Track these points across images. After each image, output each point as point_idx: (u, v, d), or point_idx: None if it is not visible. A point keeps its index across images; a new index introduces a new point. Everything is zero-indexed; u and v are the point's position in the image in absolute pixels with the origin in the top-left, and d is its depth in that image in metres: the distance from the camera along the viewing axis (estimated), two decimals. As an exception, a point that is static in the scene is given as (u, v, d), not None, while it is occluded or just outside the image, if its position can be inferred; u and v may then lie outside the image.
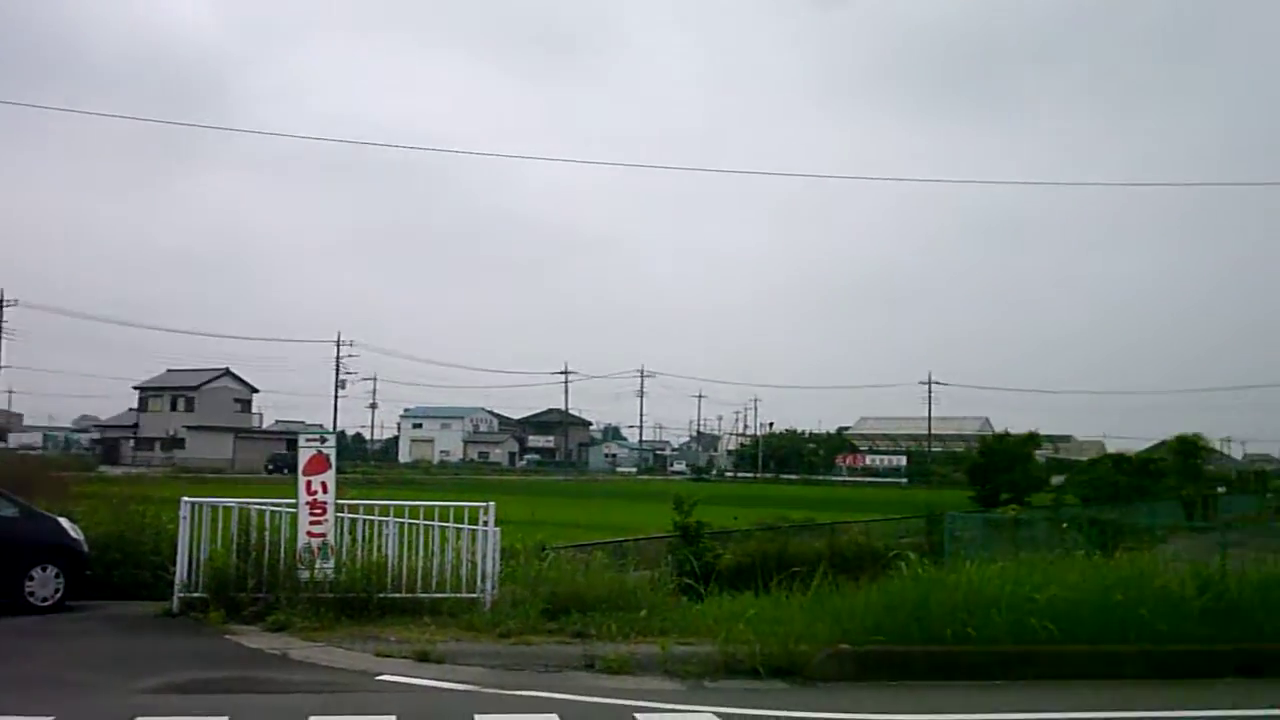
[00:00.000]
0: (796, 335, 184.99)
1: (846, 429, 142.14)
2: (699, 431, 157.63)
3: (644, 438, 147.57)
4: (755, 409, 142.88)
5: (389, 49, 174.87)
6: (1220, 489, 58.16)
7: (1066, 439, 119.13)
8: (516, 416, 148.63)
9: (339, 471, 12.42)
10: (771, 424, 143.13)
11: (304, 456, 12.23)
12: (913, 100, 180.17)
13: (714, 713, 7.71)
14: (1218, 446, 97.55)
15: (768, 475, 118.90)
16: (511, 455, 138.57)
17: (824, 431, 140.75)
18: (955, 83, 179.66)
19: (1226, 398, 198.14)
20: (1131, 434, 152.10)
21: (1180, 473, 49.51)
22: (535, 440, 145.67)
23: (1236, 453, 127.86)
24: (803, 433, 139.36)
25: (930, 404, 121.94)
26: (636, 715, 7.61)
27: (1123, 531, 18.60)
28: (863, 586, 11.00)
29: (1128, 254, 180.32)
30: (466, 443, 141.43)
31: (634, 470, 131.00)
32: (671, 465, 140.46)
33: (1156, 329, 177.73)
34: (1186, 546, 20.91)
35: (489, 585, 11.89)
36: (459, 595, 11.77)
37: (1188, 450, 52.82)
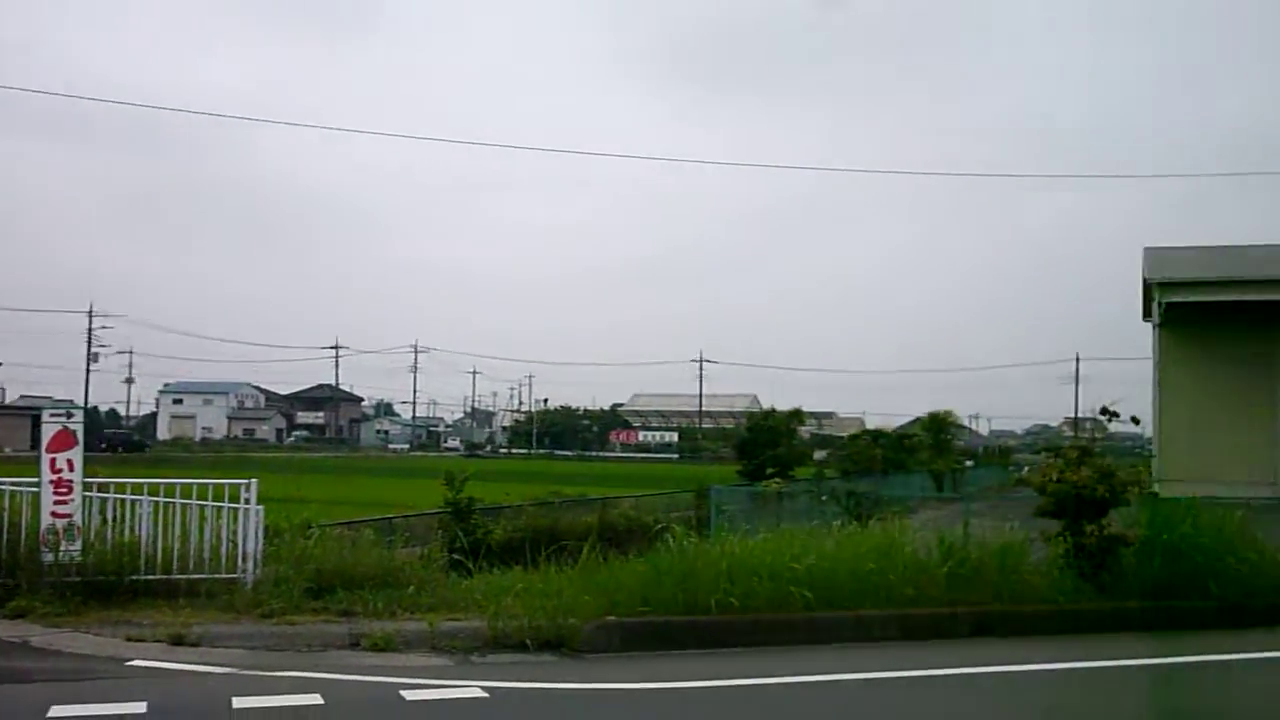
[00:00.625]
0: (573, 312, 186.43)
1: (620, 406, 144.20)
2: (474, 408, 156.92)
3: (417, 414, 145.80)
4: (530, 385, 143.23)
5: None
6: (968, 462, 61.82)
7: (830, 415, 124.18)
8: (285, 392, 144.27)
9: (91, 449, 11.76)
10: (546, 400, 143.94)
11: (48, 432, 11.50)
12: (690, 84, 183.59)
13: (481, 687, 7.70)
14: (966, 423, 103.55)
15: (542, 452, 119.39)
16: (279, 432, 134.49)
17: (598, 408, 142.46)
18: (730, 70, 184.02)
19: (975, 378, 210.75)
20: (890, 410, 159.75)
21: (932, 447, 52.23)
22: (304, 417, 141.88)
23: (983, 429, 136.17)
24: (577, 409, 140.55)
25: (701, 381, 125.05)
26: (402, 692, 7.53)
27: (878, 502, 19.53)
28: (631, 559, 11.20)
29: (889, 238, 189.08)
30: (231, 419, 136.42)
31: (406, 447, 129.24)
32: (445, 442, 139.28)
33: (914, 311, 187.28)
34: (935, 516, 22.12)
35: (250, 565, 11.49)
36: (218, 576, 11.32)
37: (939, 426, 55.80)
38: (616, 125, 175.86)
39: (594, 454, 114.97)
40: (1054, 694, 8.38)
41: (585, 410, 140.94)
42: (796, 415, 56.18)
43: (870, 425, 75.67)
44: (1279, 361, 31.91)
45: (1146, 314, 36.39)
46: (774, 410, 57.57)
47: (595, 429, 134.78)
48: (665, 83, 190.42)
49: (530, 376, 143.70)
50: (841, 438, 76.23)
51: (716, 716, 7.41)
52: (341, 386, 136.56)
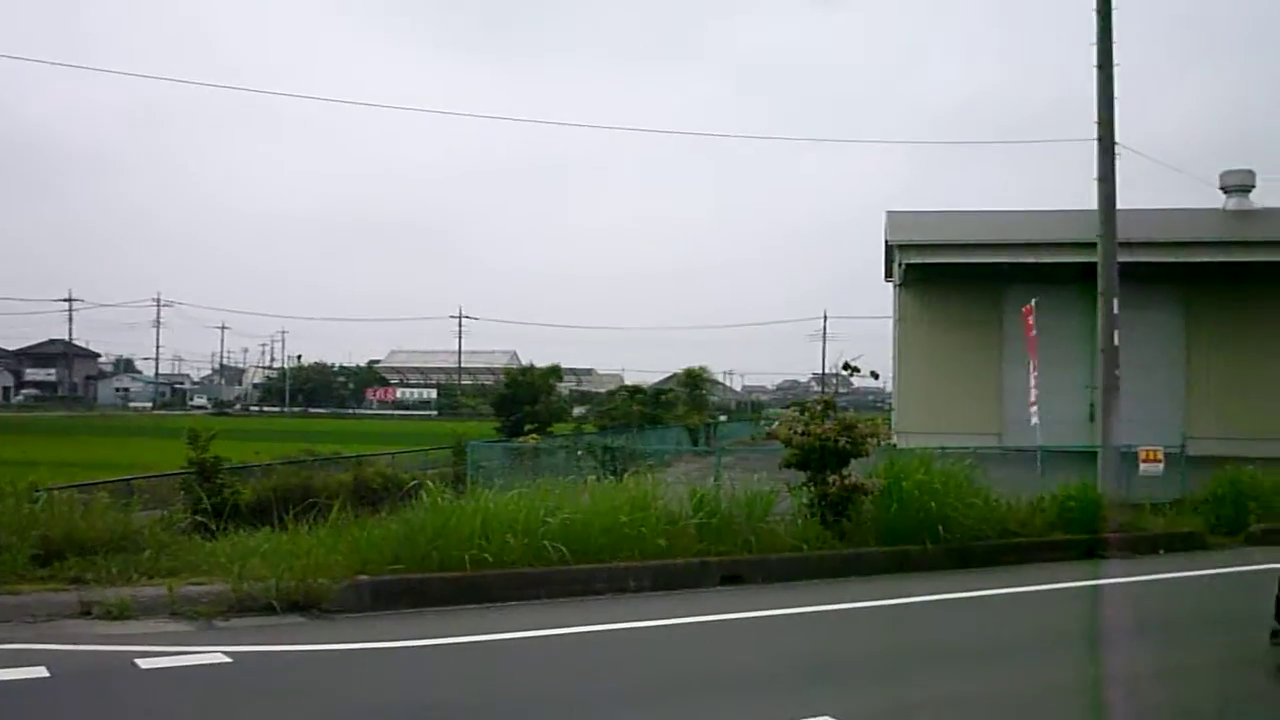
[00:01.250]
0: (328, 267, 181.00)
1: (378, 363, 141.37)
2: (222, 364, 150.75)
3: (161, 371, 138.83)
4: (284, 342, 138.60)
5: None
6: (722, 417, 63.71)
7: (589, 372, 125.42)
8: (12, 348, 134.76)
9: None
10: (300, 357, 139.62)
11: None
12: (464, 37, 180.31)
13: (223, 652, 7.39)
14: (721, 379, 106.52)
15: (296, 409, 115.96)
16: (5, 390, 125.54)
17: (354, 365, 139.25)
18: (505, 24, 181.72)
19: (730, 335, 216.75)
20: (648, 367, 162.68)
21: (688, 403, 53.54)
22: (34, 374, 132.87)
23: (737, 385, 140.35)
24: (333, 366, 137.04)
25: (460, 338, 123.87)
26: (137, 661, 7.13)
27: (634, 457, 19.86)
28: (385, 517, 11.00)
29: (651, 196, 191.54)
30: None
31: (149, 405, 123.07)
32: (192, 400, 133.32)
33: (673, 269, 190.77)
34: (690, 469, 22.66)
35: (-33, 533, 10.66)
36: (-70, 546, 10.46)
37: (695, 382, 57.23)
38: (368, 75, 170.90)
39: (350, 412, 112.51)
40: (798, 636, 8.72)
41: (341, 367, 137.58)
42: (555, 372, 56.51)
43: (629, 381, 76.87)
44: (1006, 320, 34.06)
45: (888, 275, 38.24)
46: (533, 367, 57.71)
47: (352, 386, 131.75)
48: (431, 32, 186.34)
49: (284, 332, 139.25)
50: (600, 394, 77.14)
51: (464, 672, 7.36)
52: (76, 341, 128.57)
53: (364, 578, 9.31)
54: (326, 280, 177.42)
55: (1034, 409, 19.46)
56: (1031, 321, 20.20)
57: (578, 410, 67.11)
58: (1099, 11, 17.11)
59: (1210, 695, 6.75)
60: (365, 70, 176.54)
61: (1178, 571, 12.21)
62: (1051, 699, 6.64)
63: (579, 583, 10.06)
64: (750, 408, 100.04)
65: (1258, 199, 41.18)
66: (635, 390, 54.63)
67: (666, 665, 7.45)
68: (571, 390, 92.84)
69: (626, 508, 10.86)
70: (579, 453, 19.52)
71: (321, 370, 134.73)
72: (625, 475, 12.81)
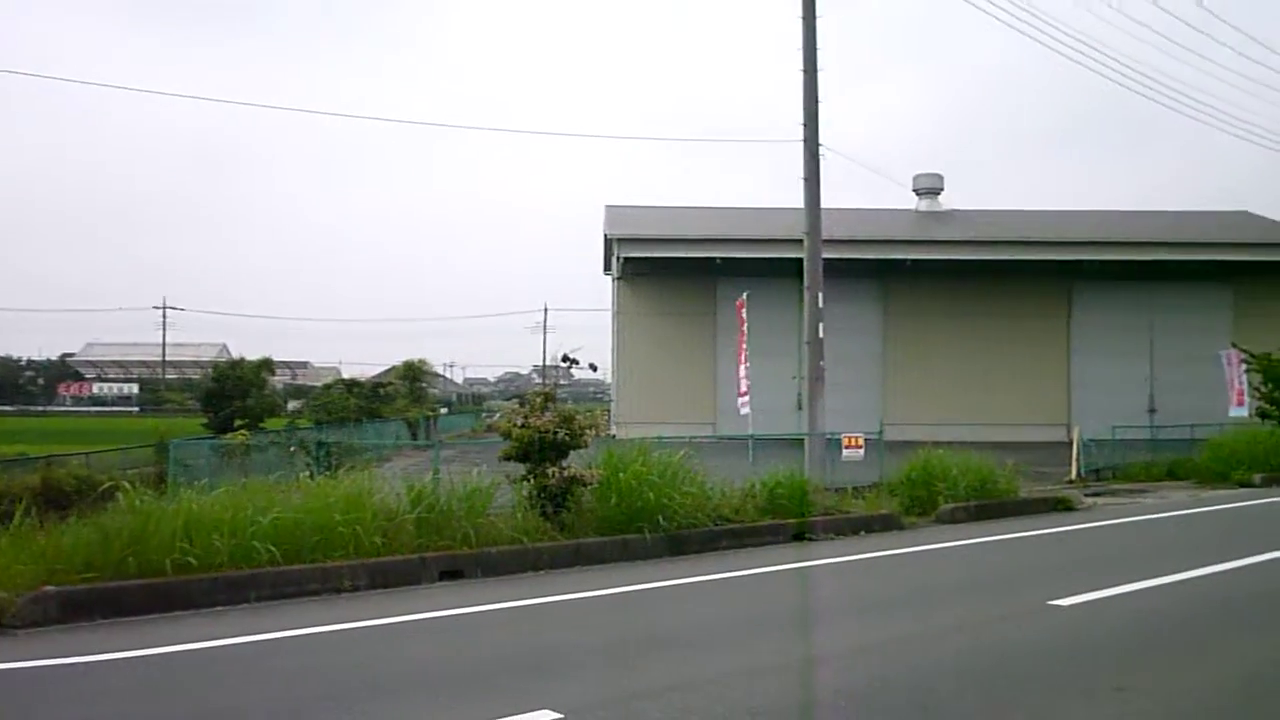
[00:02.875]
0: (9, 254, 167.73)
1: (72, 356, 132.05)
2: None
3: None
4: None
5: None
6: (443, 410, 62.97)
7: (305, 365, 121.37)
8: None
9: None
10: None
11: None
12: (171, 13, 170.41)
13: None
14: (442, 371, 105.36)
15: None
16: None
17: (45, 359, 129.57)
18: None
19: (452, 326, 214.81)
20: (367, 360, 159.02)
21: (408, 396, 52.63)
22: None
23: (459, 377, 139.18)
24: (19, 360, 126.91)
25: (165, 330, 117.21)
26: None
27: (351, 452, 19.28)
28: (75, 522, 10.21)
29: (371, 187, 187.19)
30: None
31: None
32: None
33: (393, 260, 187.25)
34: (409, 464, 22.30)
35: None
36: None
37: (414, 375, 56.30)
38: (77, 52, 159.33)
39: (39, 408, 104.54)
40: (518, 629, 8.64)
41: (30, 361, 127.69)
42: (266, 365, 54.37)
43: (346, 374, 74.87)
44: (721, 313, 35.21)
45: (608, 268, 38.78)
46: (243, 360, 55.33)
47: (41, 381, 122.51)
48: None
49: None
50: (316, 387, 74.76)
51: (157, 685, 6.89)
52: None
53: (51, 588, 8.61)
54: (8, 270, 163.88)
55: (745, 399, 20.17)
56: (744, 315, 20.91)
57: (292, 405, 64.87)
58: (804, 18, 17.88)
59: (906, 667, 7.11)
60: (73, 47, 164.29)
61: (877, 551, 12.89)
62: (770, 676, 6.82)
63: (291, 584, 9.65)
64: (472, 400, 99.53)
65: (945, 201, 44.24)
66: (353, 384, 53.20)
67: (379, 665, 7.21)
68: (286, 384, 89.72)
69: (341, 505, 10.52)
70: (292, 449, 18.78)
71: (6, 365, 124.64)
72: (340, 471, 12.36)
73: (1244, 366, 28.18)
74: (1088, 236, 37.81)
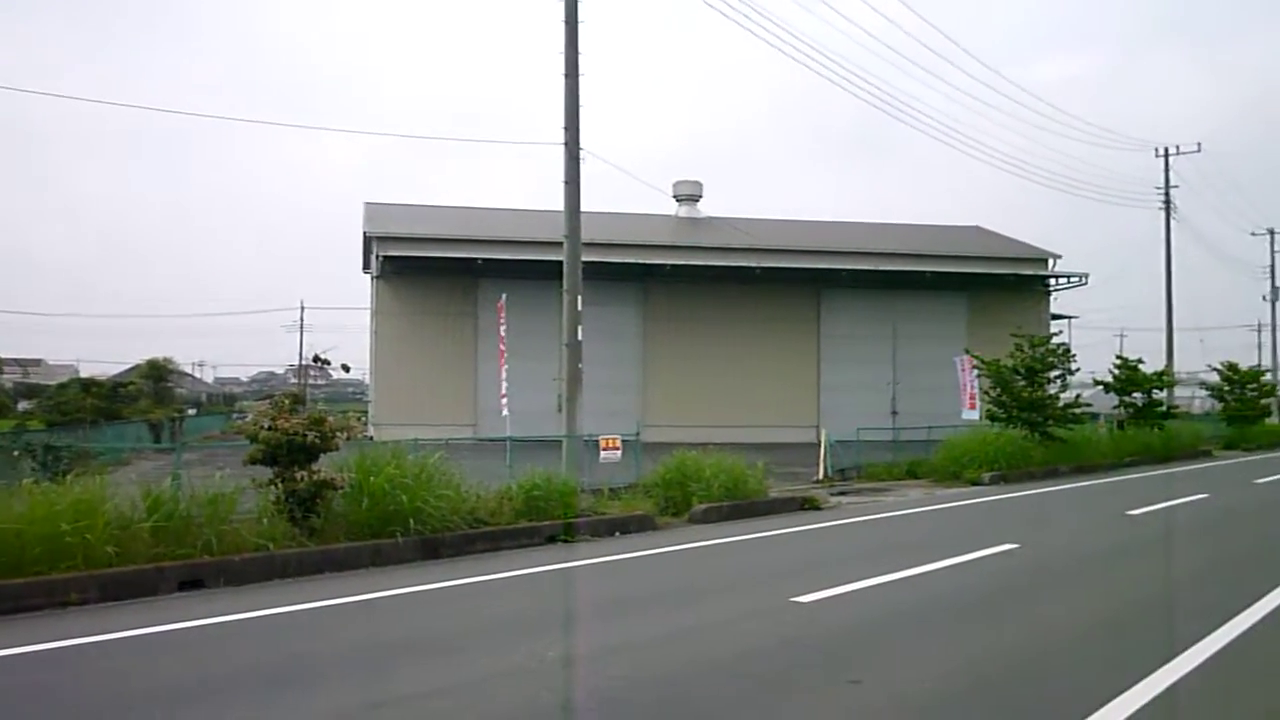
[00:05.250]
0: None
1: None
2: None
3: None
4: None
5: None
6: (191, 410, 60.15)
7: (38, 363, 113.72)
8: None
9: None
10: None
11: None
12: None
13: None
14: (190, 370, 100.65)
15: None
16: None
17: None
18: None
19: (202, 324, 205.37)
20: (109, 358, 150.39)
21: (152, 396, 50.09)
22: None
23: (209, 376, 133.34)
24: None
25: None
26: None
27: (85, 456, 18.16)
28: None
29: (118, 178, 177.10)
30: None
31: None
32: None
33: (141, 255, 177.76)
34: (151, 468, 21.13)
35: None
36: None
37: (159, 374, 53.67)
38: None
39: None
40: (260, 640, 8.32)
41: None
42: (-5, 362, 50.74)
43: (85, 373, 70.52)
44: (482, 314, 35.01)
45: (367, 266, 37.99)
46: (-36, 356, 51.45)
47: None
48: None
49: None
50: (50, 386, 70.20)
51: None
52: None
53: None
54: None
55: (504, 400, 20.09)
56: (503, 316, 20.84)
57: (23, 405, 60.66)
58: (566, 21, 17.96)
59: (655, 666, 7.21)
60: None
61: (632, 552, 13.06)
62: (524, 679, 6.79)
63: (8, 600, 8.98)
64: (224, 400, 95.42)
65: (705, 208, 45.32)
66: (91, 383, 50.19)
67: (104, 684, 6.80)
68: (16, 383, 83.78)
69: (70, 514, 9.86)
70: (15, 453, 17.52)
71: None
72: (71, 477, 11.59)
73: (976, 371, 29.99)
74: (836, 246, 39.54)
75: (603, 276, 31.50)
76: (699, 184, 45.35)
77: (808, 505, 18.53)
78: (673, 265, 36.83)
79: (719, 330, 38.82)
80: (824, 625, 8.76)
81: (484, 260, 34.82)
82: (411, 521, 11.99)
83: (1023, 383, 28.78)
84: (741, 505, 17.04)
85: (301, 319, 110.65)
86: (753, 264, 37.37)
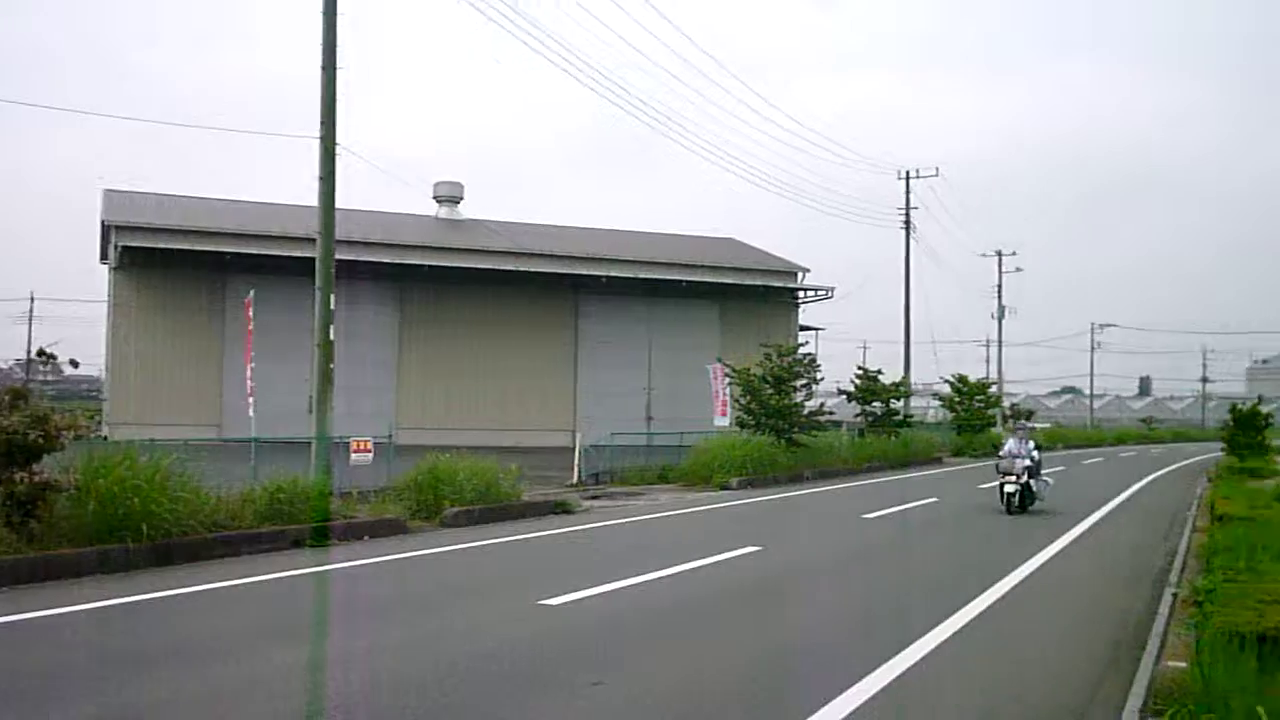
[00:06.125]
0: None
1: None
2: None
3: None
4: None
5: None
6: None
7: None
8: None
9: None
10: None
11: None
12: None
13: None
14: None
15: None
16: None
17: None
18: None
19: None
20: None
21: None
22: None
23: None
24: None
25: None
26: None
27: None
28: None
29: None
30: None
31: None
32: None
33: None
34: None
35: None
36: None
37: None
38: None
39: None
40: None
41: None
42: None
43: None
44: (230, 311, 33.63)
45: (104, 256, 35.93)
46: None
47: None
48: None
49: None
50: None
51: None
52: None
53: None
54: None
55: (251, 400, 19.35)
56: (251, 314, 20.08)
57: None
58: (325, 14, 17.48)
59: (398, 672, 7.10)
60: None
61: (380, 556, 12.82)
62: (260, 689, 6.56)
63: None
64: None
65: (465, 210, 45.02)
66: None
67: None
68: None
69: None
70: None
71: None
72: None
73: (727, 379, 30.89)
74: (596, 253, 39.92)
75: (358, 275, 30.88)
76: (460, 185, 44.97)
77: (560, 509, 18.65)
78: (431, 266, 36.35)
79: (478, 333, 38.60)
80: (571, 628, 8.84)
81: (233, 254, 33.45)
82: (144, 526, 11.38)
83: (771, 391, 29.81)
84: (494, 509, 16.99)
85: (31, 310, 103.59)
86: (512, 267, 37.34)
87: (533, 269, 37.64)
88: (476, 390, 38.11)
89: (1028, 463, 19.92)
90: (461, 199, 44.94)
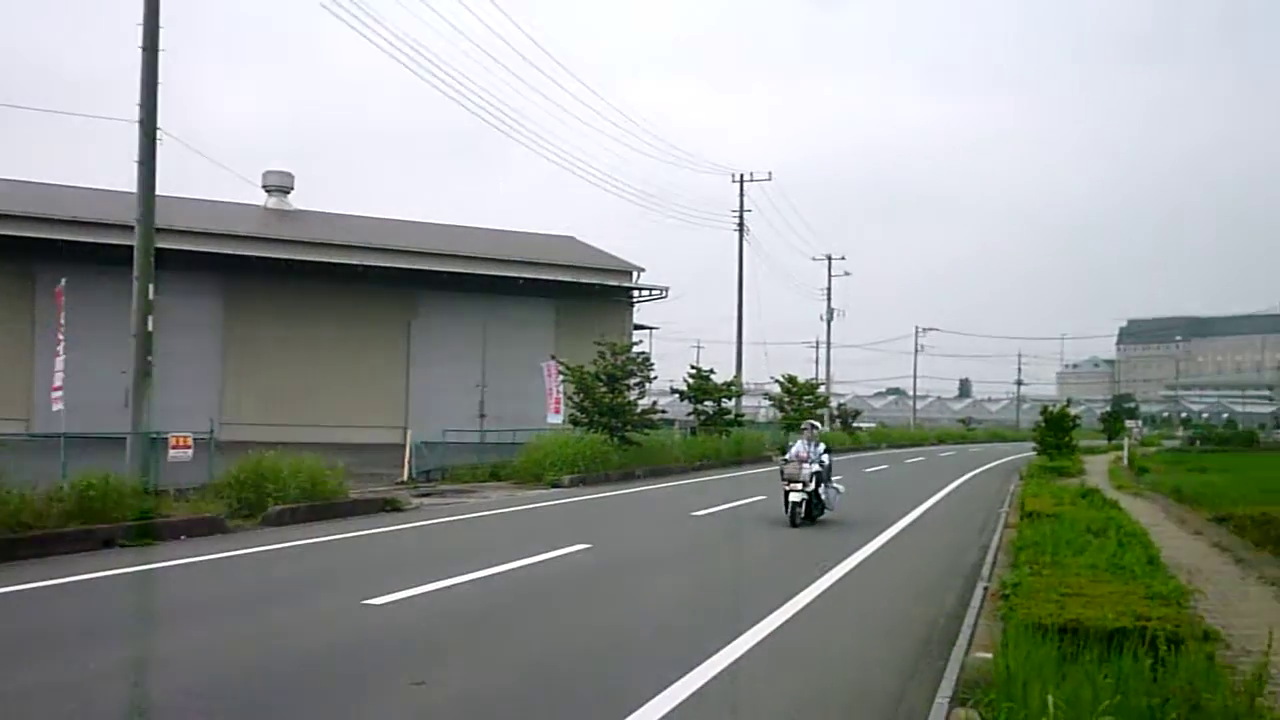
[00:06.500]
0: None
1: None
2: None
3: None
4: None
5: None
6: None
7: None
8: None
9: None
10: None
11: None
12: None
13: None
14: None
15: None
16: None
17: None
18: None
19: None
20: None
21: None
22: None
23: None
24: None
25: None
26: None
27: None
28: None
29: None
30: None
31: None
32: None
33: None
34: None
35: None
36: None
37: None
38: None
39: None
40: None
41: None
42: None
43: None
44: (39, 300, 32.06)
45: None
46: None
47: None
48: None
49: None
50: None
51: None
52: None
53: None
54: None
55: (58, 394, 18.43)
56: (62, 303, 19.16)
57: None
58: (146, -4, 16.84)
59: (213, 674, 6.89)
60: None
61: (198, 556, 12.41)
62: (67, 696, 6.28)
63: None
64: None
65: (296, 200, 43.94)
66: None
67: None
68: None
69: None
70: None
71: None
72: None
73: (561, 377, 30.90)
74: (432, 248, 39.39)
75: (182, 265, 29.70)
76: (290, 175, 43.83)
77: (390, 507, 18.37)
78: (258, 257, 35.28)
79: (308, 327, 37.67)
80: (396, 627, 8.71)
81: (43, 241, 31.82)
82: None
83: (604, 389, 29.95)
84: (320, 507, 16.63)
85: None
86: (345, 261, 36.55)
87: (365, 262, 36.90)
88: (306, 386, 37.19)
89: (816, 468, 17.73)
90: (292, 189, 43.81)
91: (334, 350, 38.05)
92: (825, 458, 18.09)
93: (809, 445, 18.05)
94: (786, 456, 18.18)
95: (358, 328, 38.70)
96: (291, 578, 11.67)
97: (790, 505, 17.47)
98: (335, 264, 36.46)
